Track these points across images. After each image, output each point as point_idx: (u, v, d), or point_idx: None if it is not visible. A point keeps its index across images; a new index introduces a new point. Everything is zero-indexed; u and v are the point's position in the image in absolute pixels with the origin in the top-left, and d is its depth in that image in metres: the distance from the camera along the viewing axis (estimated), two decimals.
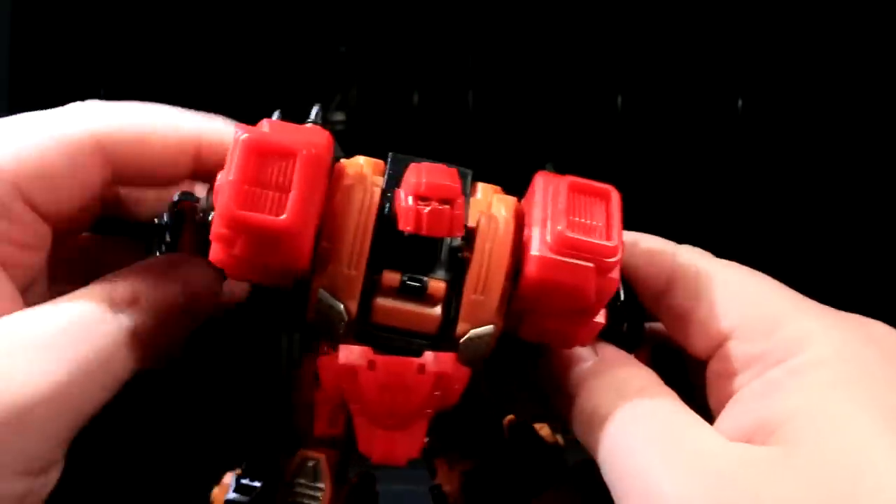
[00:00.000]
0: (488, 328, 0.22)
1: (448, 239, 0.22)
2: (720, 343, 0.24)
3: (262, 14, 0.65)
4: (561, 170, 0.24)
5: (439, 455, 0.28)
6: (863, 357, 0.22)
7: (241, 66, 0.65)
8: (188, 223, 0.25)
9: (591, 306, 0.22)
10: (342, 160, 0.24)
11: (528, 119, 0.64)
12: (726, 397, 0.23)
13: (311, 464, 0.25)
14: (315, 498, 0.25)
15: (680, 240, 0.29)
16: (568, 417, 0.24)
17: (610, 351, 0.25)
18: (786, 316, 0.24)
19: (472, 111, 0.65)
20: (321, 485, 0.25)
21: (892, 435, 0.20)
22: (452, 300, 0.22)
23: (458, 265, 0.22)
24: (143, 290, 0.23)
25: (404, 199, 0.21)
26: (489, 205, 0.23)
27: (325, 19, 0.66)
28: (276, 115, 0.24)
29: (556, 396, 0.25)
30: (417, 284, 0.22)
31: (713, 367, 0.24)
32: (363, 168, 0.23)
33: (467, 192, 0.23)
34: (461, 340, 0.22)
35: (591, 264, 0.21)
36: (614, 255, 0.22)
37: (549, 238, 0.21)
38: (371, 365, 0.21)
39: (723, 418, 0.23)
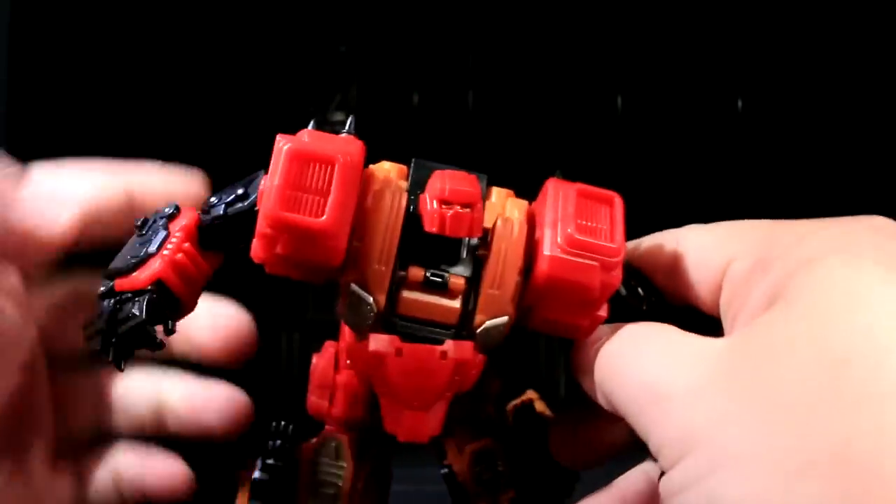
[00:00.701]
0: (503, 319, 0.24)
1: (467, 239, 0.25)
2: (724, 272, 0.24)
3: (262, 14, 0.66)
4: (567, 174, 0.27)
5: (448, 436, 0.29)
6: (863, 234, 0.23)
7: (242, 65, 0.65)
8: (190, 219, 0.26)
9: (595, 300, 0.25)
10: (371, 166, 0.26)
11: (528, 119, 0.64)
12: (737, 312, 0.23)
13: (333, 444, 0.28)
14: (338, 476, 0.28)
15: None
16: (592, 390, 0.26)
17: (627, 325, 0.26)
18: (783, 227, 0.25)
19: (472, 111, 0.65)
20: (343, 463, 0.28)
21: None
22: (471, 294, 0.25)
23: (476, 262, 0.25)
24: None
25: (429, 202, 0.24)
26: (504, 208, 0.26)
27: (325, 19, 0.66)
28: (311, 124, 0.25)
29: (583, 378, 0.26)
30: (440, 279, 0.24)
31: (724, 299, 0.24)
32: (389, 173, 0.26)
33: (483, 196, 0.25)
34: (478, 331, 0.24)
35: (596, 263, 0.24)
36: (617, 256, 0.24)
37: (559, 239, 0.24)
38: (398, 352, 0.23)
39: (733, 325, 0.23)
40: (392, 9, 0.66)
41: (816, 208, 0.66)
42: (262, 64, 0.66)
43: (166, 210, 0.26)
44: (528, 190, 0.28)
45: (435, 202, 0.24)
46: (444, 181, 0.24)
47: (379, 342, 0.23)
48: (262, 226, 0.23)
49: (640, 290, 0.27)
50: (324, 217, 0.22)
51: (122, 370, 0.24)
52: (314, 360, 0.30)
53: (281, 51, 0.66)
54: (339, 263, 0.24)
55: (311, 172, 0.23)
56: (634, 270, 0.28)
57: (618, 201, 0.26)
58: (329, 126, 0.25)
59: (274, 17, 0.66)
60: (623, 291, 0.26)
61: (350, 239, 0.24)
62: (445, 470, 0.29)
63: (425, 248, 0.25)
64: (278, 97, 0.66)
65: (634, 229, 0.28)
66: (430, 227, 0.24)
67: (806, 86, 0.63)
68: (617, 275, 0.24)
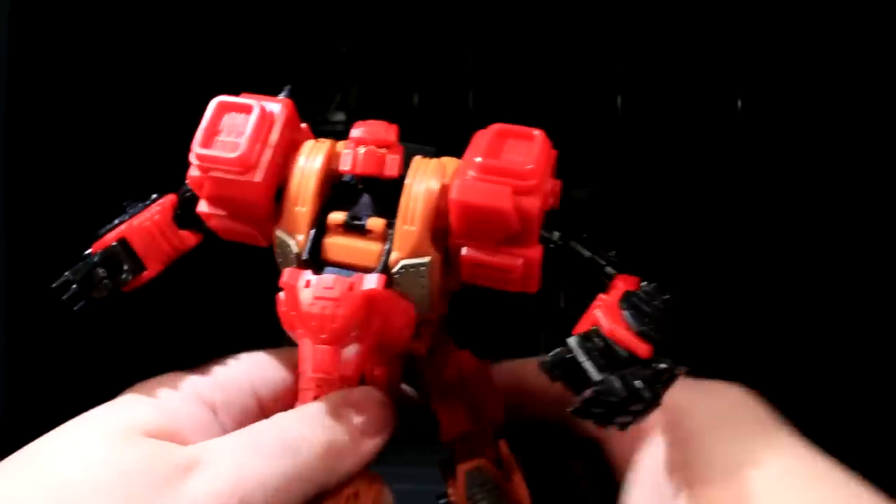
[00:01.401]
0: (423, 259, 0.24)
1: (393, 186, 0.25)
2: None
3: (263, 14, 0.66)
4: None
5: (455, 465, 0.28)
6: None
7: (242, 65, 0.65)
8: (173, 201, 0.28)
9: (517, 230, 0.23)
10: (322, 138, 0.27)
11: (529, 119, 0.64)
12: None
13: None
14: None
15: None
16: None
17: None
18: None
19: (472, 111, 0.65)
20: None
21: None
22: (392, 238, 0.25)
23: (397, 206, 0.25)
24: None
25: (346, 146, 0.25)
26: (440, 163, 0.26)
27: (325, 19, 0.67)
28: (285, 91, 0.27)
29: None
30: (359, 221, 0.25)
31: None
32: (328, 141, 0.26)
33: (407, 160, 0.25)
34: (395, 269, 0.24)
35: (507, 187, 0.23)
36: (531, 178, 0.23)
37: (469, 169, 0.23)
38: (307, 283, 0.23)
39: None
40: (392, 9, 0.66)
41: (816, 208, 0.66)
42: (262, 63, 0.66)
43: (152, 196, 0.28)
44: None
45: (351, 144, 0.25)
46: (361, 126, 0.25)
47: (289, 275, 0.24)
48: (191, 170, 0.25)
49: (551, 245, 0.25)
50: (237, 151, 0.24)
51: (76, 311, 0.26)
52: None
53: (281, 50, 0.66)
54: (266, 208, 0.25)
55: (232, 119, 0.25)
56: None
57: (539, 136, 0.25)
58: (330, 125, 0.26)
59: (274, 17, 0.66)
60: (585, 252, 0.25)
61: (280, 191, 0.25)
62: (444, 501, 0.28)
63: (351, 197, 0.25)
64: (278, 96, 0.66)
65: (635, 228, 0.28)
66: (344, 166, 0.25)
67: (805, 86, 0.63)
68: (534, 201, 0.23)
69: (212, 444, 0.23)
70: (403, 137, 0.26)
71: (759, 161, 0.64)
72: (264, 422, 0.24)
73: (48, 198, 0.55)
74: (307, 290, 0.23)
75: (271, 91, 0.27)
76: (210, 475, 0.22)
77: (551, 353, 0.22)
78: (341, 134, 0.26)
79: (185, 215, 0.28)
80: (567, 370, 0.22)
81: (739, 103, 0.64)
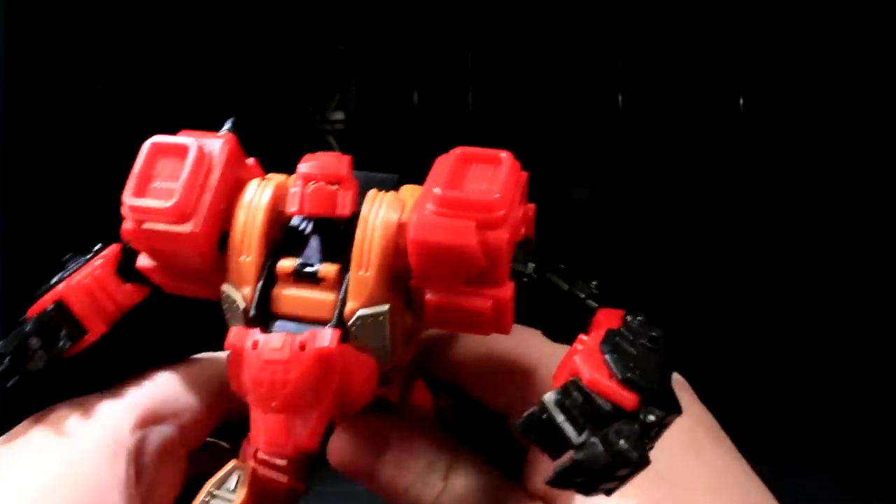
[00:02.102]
0: (380, 307, 0.21)
1: (347, 226, 0.22)
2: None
3: (262, 13, 0.65)
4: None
5: None
6: None
7: (241, 64, 0.65)
8: (114, 254, 0.26)
9: (484, 269, 0.21)
10: (271, 174, 0.24)
11: (529, 118, 0.64)
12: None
13: (236, 475, 0.25)
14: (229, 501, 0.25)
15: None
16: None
17: None
18: None
19: (471, 110, 0.65)
20: (238, 494, 0.25)
21: None
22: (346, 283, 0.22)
23: (350, 249, 0.22)
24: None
25: (293, 184, 0.22)
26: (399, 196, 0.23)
27: (324, 18, 0.66)
28: (227, 124, 0.24)
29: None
30: (310, 269, 0.22)
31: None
32: (277, 178, 0.24)
33: (363, 193, 0.23)
34: (350, 321, 0.22)
35: (470, 221, 0.20)
36: (497, 209, 0.20)
37: (428, 203, 0.21)
38: (254, 344, 0.21)
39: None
40: (391, 8, 0.66)
41: (817, 207, 0.66)
42: (261, 62, 0.66)
43: (95, 248, 0.26)
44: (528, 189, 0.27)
45: (299, 181, 0.22)
46: (310, 160, 0.22)
47: (235, 335, 0.21)
48: (125, 224, 0.23)
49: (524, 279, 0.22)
50: (172, 199, 0.22)
51: (7, 386, 0.24)
52: None
53: (280, 50, 0.66)
54: (209, 260, 0.23)
55: (166, 162, 0.22)
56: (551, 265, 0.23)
57: (506, 159, 0.21)
58: (329, 125, 0.24)
59: (274, 16, 0.66)
60: (563, 285, 0.22)
61: (225, 238, 0.23)
62: None
63: (300, 241, 0.23)
64: (278, 96, 0.66)
65: (635, 227, 0.27)
66: (291, 207, 0.22)
67: (807, 84, 0.63)
68: (501, 234, 0.20)
69: None
70: (403, 136, 0.24)
71: (762, 160, 0.64)
72: None
73: (48, 198, 0.54)
74: (254, 352, 0.21)
75: (273, 91, 0.26)
76: None
77: (525, 414, 0.19)
78: (340, 133, 0.24)
79: (129, 267, 0.25)
80: (543, 432, 0.19)
81: (742, 102, 0.64)
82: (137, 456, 0.25)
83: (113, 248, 0.26)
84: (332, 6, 0.66)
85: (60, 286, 0.25)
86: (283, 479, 0.26)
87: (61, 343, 0.25)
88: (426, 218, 0.21)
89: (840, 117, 0.62)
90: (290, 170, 0.23)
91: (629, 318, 0.21)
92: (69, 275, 0.25)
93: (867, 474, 0.56)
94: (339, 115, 0.66)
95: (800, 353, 0.62)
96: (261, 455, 0.25)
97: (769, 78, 0.64)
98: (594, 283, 0.23)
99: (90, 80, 0.59)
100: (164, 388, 0.27)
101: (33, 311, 0.25)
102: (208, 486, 0.25)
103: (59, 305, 0.25)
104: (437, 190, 0.21)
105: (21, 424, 0.26)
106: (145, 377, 0.27)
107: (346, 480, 0.26)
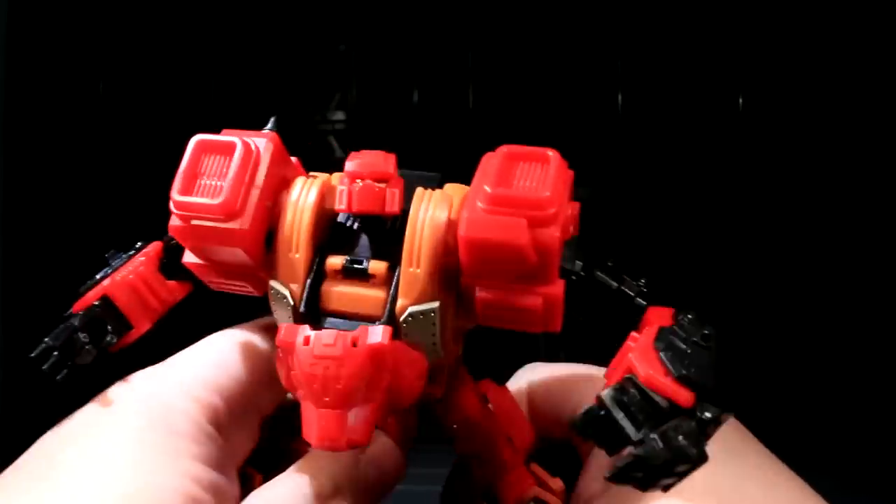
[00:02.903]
0: (431, 304, 0.22)
1: (394, 224, 0.23)
2: None
3: (262, 13, 0.65)
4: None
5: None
6: None
7: (241, 64, 0.65)
8: (157, 251, 0.26)
9: (535, 266, 0.21)
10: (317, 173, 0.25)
11: (529, 117, 0.64)
12: None
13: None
14: None
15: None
16: None
17: None
18: None
19: (472, 109, 0.65)
20: None
21: None
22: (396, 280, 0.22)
23: (400, 246, 0.22)
24: (344, 481, 0.24)
25: (340, 182, 0.23)
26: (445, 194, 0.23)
27: (324, 18, 0.66)
28: (271, 122, 0.25)
29: None
30: (359, 265, 0.22)
31: None
32: (322, 176, 0.24)
33: (412, 190, 0.23)
34: (401, 318, 0.22)
35: (522, 219, 0.20)
36: (548, 207, 0.21)
37: (478, 200, 0.21)
38: (306, 340, 0.21)
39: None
40: (391, 7, 0.66)
41: (817, 206, 0.66)
42: (262, 62, 0.66)
43: (137, 245, 0.27)
44: None
45: (346, 179, 0.22)
46: (356, 158, 0.23)
47: (286, 332, 0.21)
48: (173, 220, 0.23)
49: (630, 279, 0.23)
50: (220, 196, 0.22)
51: (58, 380, 0.24)
52: None
53: (281, 49, 0.66)
54: (256, 257, 0.23)
55: (213, 160, 0.23)
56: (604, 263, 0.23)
57: (554, 157, 0.22)
58: (329, 124, 0.24)
59: (274, 15, 0.66)
60: (612, 283, 0.23)
61: (271, 236, 0.23)
62: None
63: (350, 238, 0.23)
64: (278, 95, 0.66)
65: (635, 227, 0.27)
66: (339, 205, 0.22)
67: (807, 84, 0.63)
68: (553, 232, 0.20)
69: None
70: (403, 135, 0.24)
71: (761, 160, 0.64)
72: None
73: (49, 197, 0.55)
74: (306, 348, 0.21)
75: (272, 90, 0.26)
76: None
77: (582, 410, 0.20)
78: (341, 133, 0.25)
79: (172, 264, 0.26)
80: (601, 428, 0.19)
81: (741, 101, 0.64)
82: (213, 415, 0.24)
83: (155, 246, 0.26)
84: (332, 6, 0.66)
85: (105, 282, 0.25)
86: None
87: (108, 338, 0.25)
88: (478, 215, 0.21)
89: (840, 117, 0.62)
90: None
91: (680, 316, 0.21)
92: (113, 271, 0.26)
93: (867, 475, 0.56)
94: (339, 115, 0.66)
95: (799, 355, 0.62)
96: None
97: (769, 78, 0.64)
98: (643, 280, 0.23)
99: (91, 80, 0.59)
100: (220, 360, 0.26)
101: (79, 306, 0.25)
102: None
103: (106, 300, 0.25)
104: (487, 188, 0.21)
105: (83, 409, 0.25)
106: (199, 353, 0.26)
107: None
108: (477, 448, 0.26)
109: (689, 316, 0.21)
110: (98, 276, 0.26)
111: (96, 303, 0.25)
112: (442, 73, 0.66)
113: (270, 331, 0.26)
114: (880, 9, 0.60)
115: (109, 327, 0.25)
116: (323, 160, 0.34)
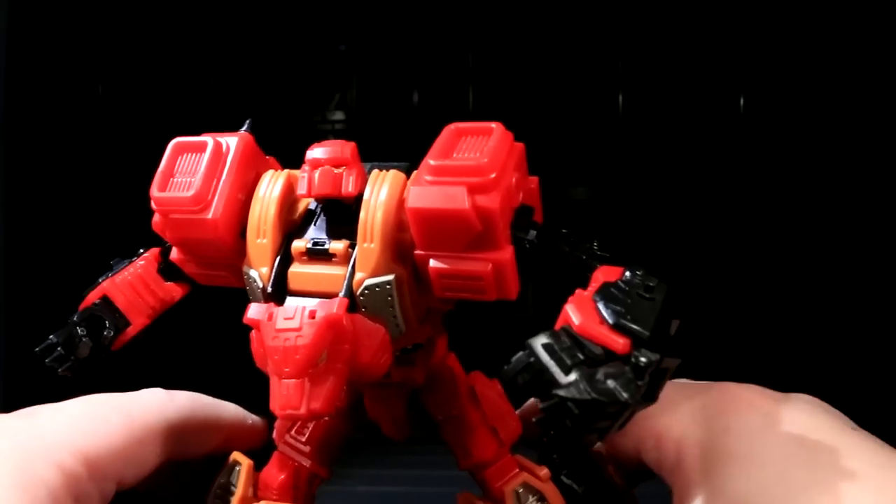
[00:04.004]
0: (387, 277, 0.23)
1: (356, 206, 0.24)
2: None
3: (262, 13, 0.65)
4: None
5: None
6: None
7: (241, 64, 0.65)
8: (153, 255, 0.28)
9: (481, 232, 0.22)
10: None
11: (529, 118, 0.64)
12: None
13: (237, 467, 0.27)
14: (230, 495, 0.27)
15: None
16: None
17: None
18: None
19: (471, 110, 0.65)
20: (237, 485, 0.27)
21: None
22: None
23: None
24: None
25: (302, 170, 0.24)
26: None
27: (324, 18, 0.66)
28: (246, 124, 0.26)
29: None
30: (321, 246, 0.24)
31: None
32: (291, 171, 0.26)
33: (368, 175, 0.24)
34: (359, 291, 0.23)
35: (461, 186, 0.21)
36: (487, 173, 0.21)
37: (423, 174, 0.22)
38: (269, 316, 0.22)
39: None
40: (391, 7, 0.66)
41: (817, 206, 0.66)
42: (262, 62, 0.66)
43: (140, 251, 0.28)
44: None
45: (307, 167, 0.24)
46: (317, 146, 0.24)
47: (252, 310, 0.23)
48: (154, 217, 0.25)
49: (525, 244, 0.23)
50: (191, 190, 0.24)
51: (63, 374, 0.26)
52: None
53: (281, 49, 0.66)
54: (231, 246, 0.24)
55: (187, 158, 0.25)
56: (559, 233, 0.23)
57: (497, 128, 0.22)
58: (329, 124, 0.25)
59: (274, 16, 0.66)
60: (564, 247, 0.23)
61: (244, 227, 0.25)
62: None
63: (317, 223, 0.25)
64: (278, 95, 0.66)
65: (636, 227, 0.27)
66: (301, 190, 0.24)
67: (808, 84, 0.63)
68: (493, 197, 0.21)
69: None
70: (403, 136, 0.25)
71: (762, 160, 0.64)
72: None
73: (49, 197, 0.54)
74: (269, 323, 0.22)
75: (273, 90, 0.26)
76: None
77: (513, 359, 0.20)
78: (341, 133, 0.25)
79: (169, 267, 0.27)
80: (532, 376, 0.19)
81: (742, 101, 0.64)
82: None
83: (154, 250, 0.28)
84: (332, 6, 0.66)
85: (105, 283, 0.28)
86: (305, 462, 0.27)
87: (106, 332, 0.27)
88: (420, 187, 0.22)
89: (840, 117, 0.62)
90: (292, 168, 0.25)
91: (628, 272, 0.22)
92: (114, 274, 0.28)
93: None
94: (339, 115, 0.66)
95: (799, 356, 0.62)
96: (288, 438, 0.27)
97: (769, 78, 0.64)
98: (595, 243, 0.23)
99: (91, 81, 0.59)
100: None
101: (82, 306, 0.27)
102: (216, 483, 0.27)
103: (105, 300, 0.27)
104: (431, 161, 0.22)
105: None
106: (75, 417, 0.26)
107: (346, 480, 0.26)
108: (461, 438, 0.27)
109: (639, 272, 0.22)
110: (101, 280, 0.28)
111: (96, 301, 0.27)
112: (441, 73, 0.66)
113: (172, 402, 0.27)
114: (880, 9, 0.60)
115: (107, 324, 0.27)
116: None
